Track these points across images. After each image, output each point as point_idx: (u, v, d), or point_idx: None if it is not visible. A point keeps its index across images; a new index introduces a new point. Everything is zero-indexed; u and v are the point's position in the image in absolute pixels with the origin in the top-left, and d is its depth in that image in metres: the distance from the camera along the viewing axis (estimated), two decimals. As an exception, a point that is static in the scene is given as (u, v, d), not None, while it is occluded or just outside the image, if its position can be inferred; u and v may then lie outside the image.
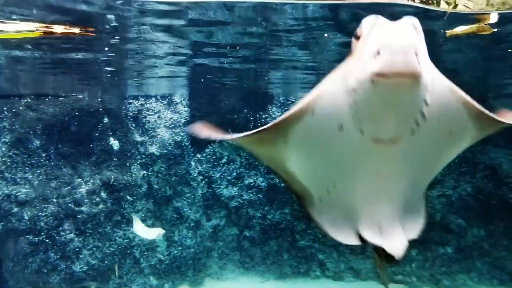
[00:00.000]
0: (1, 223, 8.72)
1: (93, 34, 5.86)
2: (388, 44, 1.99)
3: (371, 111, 2.23)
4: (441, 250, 10.67)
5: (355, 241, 2.78)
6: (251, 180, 11.61)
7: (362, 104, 2.22)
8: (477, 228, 10.65)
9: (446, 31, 6.39)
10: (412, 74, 1.99)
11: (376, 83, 2.04)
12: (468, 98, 2.44)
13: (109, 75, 9.75)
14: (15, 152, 9.14)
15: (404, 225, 2.74)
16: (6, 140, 9.12)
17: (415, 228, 2.82)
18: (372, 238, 2.67)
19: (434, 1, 6.32)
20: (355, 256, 11.24)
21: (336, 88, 2.32)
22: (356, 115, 2.28)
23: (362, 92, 2.16)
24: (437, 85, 2.30)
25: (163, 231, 9.11)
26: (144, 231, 9.05)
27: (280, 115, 11.52)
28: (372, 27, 2.09)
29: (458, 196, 10.77)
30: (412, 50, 1.98)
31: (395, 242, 2.64)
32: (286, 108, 11.69)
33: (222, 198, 11.51)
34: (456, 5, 6.44)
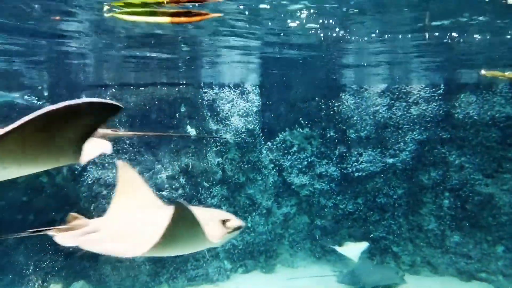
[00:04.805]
0: (93, 204, 9.56)
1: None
2: None
3: None
4: (531, 248, 9.79)
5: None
6: (323, 169, 11.51)
7: None
8: None
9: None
10: None
11: None
12: None
13: (185, 66, 10.18)
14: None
15: None
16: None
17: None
18: None
19: None
20: (433, 250, 10.71)
21: None
22: None
23: None
24: None
25: (367, 244, 9.82)
26: (350, 249, 9.74)
27: (354, 103, 11.10)
28: None
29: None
30: None
31: None
32: (359, 96, 11.35)
33: (293, 187, 11.57)
34: None
